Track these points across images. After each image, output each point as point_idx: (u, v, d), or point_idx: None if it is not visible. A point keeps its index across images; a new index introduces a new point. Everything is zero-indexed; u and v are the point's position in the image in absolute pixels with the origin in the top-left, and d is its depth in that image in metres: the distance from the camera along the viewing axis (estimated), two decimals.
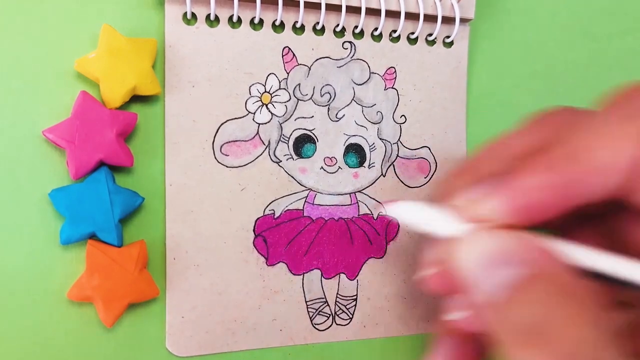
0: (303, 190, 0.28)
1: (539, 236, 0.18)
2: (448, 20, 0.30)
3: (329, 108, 0.29)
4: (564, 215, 0.18)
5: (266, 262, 0.28)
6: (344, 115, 0.29)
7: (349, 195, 0.29)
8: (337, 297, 0.29)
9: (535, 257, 0.17)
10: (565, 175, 0.17)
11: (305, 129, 0.28)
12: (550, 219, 0.18)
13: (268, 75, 0.28)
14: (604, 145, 0.17)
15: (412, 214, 0.21)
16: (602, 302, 0.17)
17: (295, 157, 0.28)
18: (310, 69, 0.28)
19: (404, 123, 0.30)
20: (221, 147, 0.27)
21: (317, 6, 0.27)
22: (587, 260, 0.18)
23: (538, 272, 0.17)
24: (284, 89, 0.28)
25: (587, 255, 0.18)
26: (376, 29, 0.29)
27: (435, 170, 0.31)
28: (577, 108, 0.22)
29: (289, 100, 0.28)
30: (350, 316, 0.29)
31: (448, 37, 0.30)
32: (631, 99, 0.18)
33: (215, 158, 0.27)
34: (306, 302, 0.28)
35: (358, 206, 0.29)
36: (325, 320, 0.29)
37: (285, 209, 0.28)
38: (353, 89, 0.29)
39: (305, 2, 0.27)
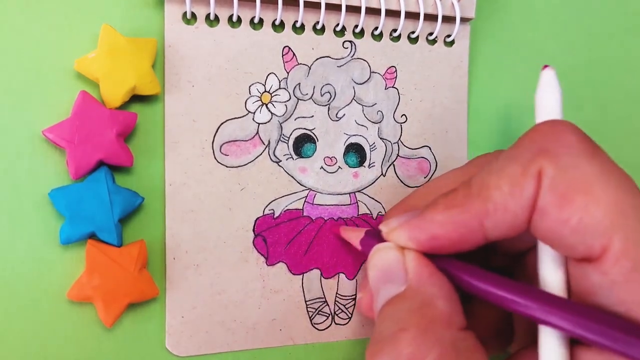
0: (303, 190, 0.28)
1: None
2: (449, 20, 0.30)
3: (329, 107, 0.28)
4: (480, 246, 0.19)
5: (266, 262, 0.28)
6: (344, 114, 0.29)
7: (348, 195, 0.29)
8: (336, 296, 0.29)
9: (410, 276, 0.20)
10: (463, 213, 0.19)
11: (305, 128, 0.28)
12: (466, 249, 0.20)
13: (268, 74, 0.28)
14: (497, 184, 0.18)
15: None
16: (460, 321, 0.19)
17: (295, 156, 0.28)
18: (310, 68, 0.28)
19: (404, 122, 0.30)
20: (221, 146, 0.27)
21: (317, 5, 0.27)
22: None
23: (405, 290, 0.19)
24: (284, 88, 0.28)
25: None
26: (376, 28, 0.29)
27: (435, 170, 0.30)
28: (499, 150, 0.23)
29: (289, 99, 0.28)
30: (350, 316, 0.29)
31: (449, 36, 0.30)
32: (526, 137, 0.19)
33: (215, 158, 0.27)
34: (306, 301, 0.28)
35: (357, 206, 0.29)
36: (325, 320, 0.29)
37: (285, 208, 0.28)
38: (353, 88, 0.29)
39: (305, 1, 0.27)
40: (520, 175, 0.18)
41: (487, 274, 0.19)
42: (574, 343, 0.18)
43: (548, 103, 0.20)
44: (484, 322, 0.23)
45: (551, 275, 0.19)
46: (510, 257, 0.24)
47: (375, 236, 0.22)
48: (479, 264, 0.20)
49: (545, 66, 0.21)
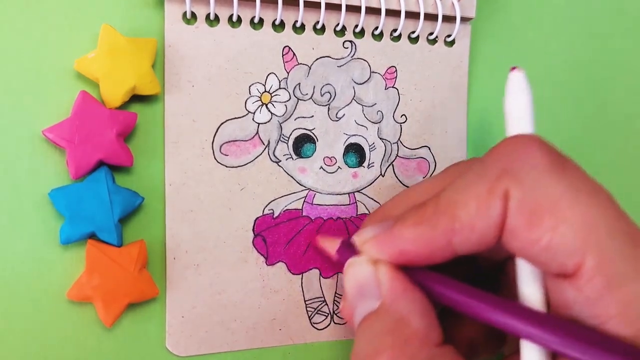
0: (302, 190, 0.28)
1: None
2: (449, 19, 0.30)
3: (329, 108, 0.28)
4: (451, 259, 0.19)
5: (265, 262, 0.28)
6: (344, 114, 0.29)
7: (347, 195, 0.29)
8: (335, 296, 0.29)
9: (383, 292, 0.19)
10: (430, 230, 0.19)
11: (305, 128, 0.28)
12: (437, 263, 0.19)
13: (268, 74, 0.28)
14: (464, 203, 0.18)
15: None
16: (436, 337, 0.19)
17: (294, 156, 0.28)
18: (310, 68, 0.28)
19: (404, 122, 0.30)
20: (221, 146, 0.27)
21: (317, 5, 0.27)
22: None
23: (379, 307, 0.19)
24: (284, 88, 0.28)
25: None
26: (377, 28, 0.29)
27: (434, 170, 0.30)
28: (474, 159, 0.23)
29: (289, 99, 0.28)
30: None
31: (449, 36, 0.30)
32: (493, 154, 0.19)
33: (215, 158, 0.27)
34: (305, 301, 0.28)
35: (357, 206, 0.29)
36: (324, 319, 0.29)
37: (285, 208, 0.28)
38: (353, 88, 0.29)
39: (305, 1, 0.27)
40: (486, 195, 0.17)
41: (464, 287, 0.19)
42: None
43: (517, 111, 0.19)
44: (473, 326, 0.23)
45: (529, 288, 0.19)
46: (491, 267, 0.24)
47: (350, 247, 0.22)
48: (461, 273, 0.20)
49: (513, 68, 0.20)
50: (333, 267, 0.29)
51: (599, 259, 0.16)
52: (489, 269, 0.24)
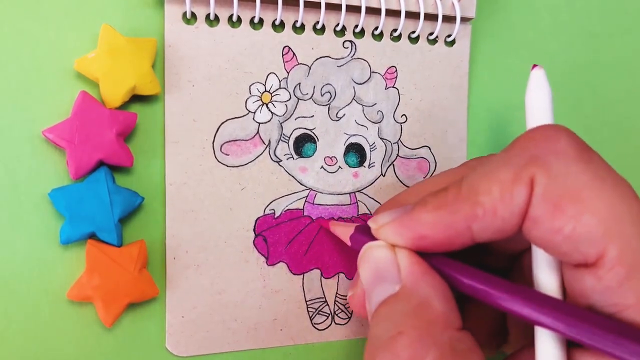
0: (303, 190, 0.28)
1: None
2: (449, 19, 0.30)
3: (329, 107, 0.28)
4: (469, 246, 0.19)
5: (266, 262, 0.28)
6: (344, 114, 0.29)
7: (348, 195, 0.29)
8: (336, 296, 0.29)
9: (403, 275, 0.19)
10: (450, 215, 0.19)
11: (305, 128, 0.28)
12: (454, 249, 0.19)
13: (268, 74, 0.28)
14: (488, 189, 0.18)
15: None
16: (456, 321, 0.18)
17: (295, 156, 0.28)
18: (310, 68, 0.28)
19: (404, 122, 0.30)
20: (221, 146, 0.27)
21: (317, 5, 0.27)
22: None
23: (400, 290, 0.19)
24: (284, 88, 0.28)
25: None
26: (377, 28, 0.29)
27: (435, 170, 0.30)
28: (492, 154, 0.23)
29: (289, 99, 0.28)
30: (349, 315, 0.29)
31: (449, 36, 0.30)
32: (518, 143, 0.19)
33: (216, 157, 0.27)
34: (306, 301, 0.28)
35: (357, 206, 0.29)
36: (325, 320, 0.29)
37: (286, 208, 0.28)
38: (353, 88, 0.29)
39: (305, 1, 0.27)
40: (511, 181, 0.17)
41: (481, 274, 0.19)
42: (571, 345, 0.18)
43: (539, 105, 0.20)
44: (476, 323, 0.23)
45: (546, 277, 0.19)
46: (506, 258, 0.24)
47: (365, 232, 0.22)
48: (474, 263, 0.20)
49: (535, 65, 0.21)
50: (356, 259, 0.29)
51: (621, 249, 0.16)
52: (503, 260, 0.24)
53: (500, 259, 0.24)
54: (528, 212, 0.17)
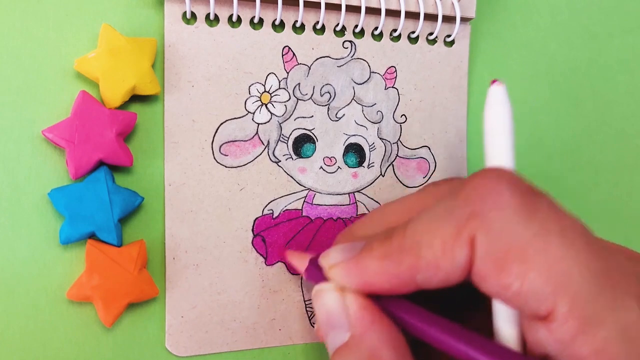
0: (302, 190, 0.28)
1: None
2: (449, 19, 0.30)
3: (328, 108, 0.28)
4: (413, 292, 0.19)
5: (265, 262, 0.28)
6: (343, 114, 0.29)
7: (347, 195, 0.29)
8: None
9: (353, 322, 0.19)
10: (395, 266, 0.18)
11: (304, 128, 0.28)
12: (403, 294, 0.19)
13: (268, 74, 0.28)
14: (430, 243, 0.18)
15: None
16: None
17: (294, 157, 0.28)
18: (310, 68, 0.28)
19: (404, 122, 0.30)
20: (220, 146, 0.27)
21: (317, 5, 0.27)
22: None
23: (349, 340, 0.19)
24: (284, 88, 0.28)
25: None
26: (376, 28, 0.29)
27: (434, 170, 0.30)
28: (455, 181, 0.22)
29: (289, 99, 0.28)
30: None
31: (449, 36, 0.30)
32: (462, 192, 0.18)
33: (215, 158, 0.27)
34: (305, 301, 0.28)
35: (356, 206, 0.29)
36: None
37: (284, 208, 0.28)
38: (353, 88, 0.29)
39: (305, 1, 0.27)
40: (453, 237, 0.17)
41: (437, 320, 0.19)
42: None
43: (494, 129, 0.19)
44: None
45: (504, 325, 0.19)
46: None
47: (318, 267, 0.21)
48: (439, 296, 0.20)
49: (494, 81, 0.19)
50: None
51: (570, 303, 0.16)
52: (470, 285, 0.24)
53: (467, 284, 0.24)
54: (473, 269, 0.17)
